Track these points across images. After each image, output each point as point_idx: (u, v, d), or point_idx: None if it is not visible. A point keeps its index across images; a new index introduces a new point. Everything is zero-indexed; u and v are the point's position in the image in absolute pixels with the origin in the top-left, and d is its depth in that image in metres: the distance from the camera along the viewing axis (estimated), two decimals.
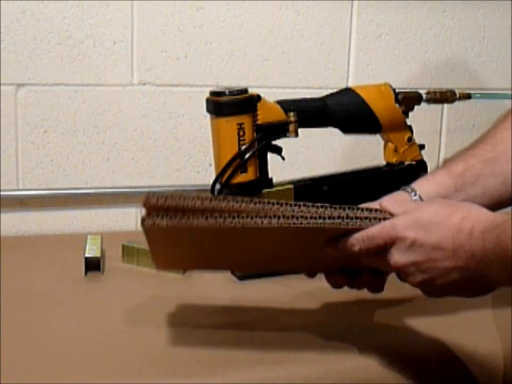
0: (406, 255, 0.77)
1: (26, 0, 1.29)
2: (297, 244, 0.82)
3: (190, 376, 0.82)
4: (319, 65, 1.48)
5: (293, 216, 0.77)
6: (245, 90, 1.06)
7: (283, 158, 1.10)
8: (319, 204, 0.79)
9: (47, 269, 1.14)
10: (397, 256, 0.77)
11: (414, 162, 1.20)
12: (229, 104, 1.05)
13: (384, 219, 0.80)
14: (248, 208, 0.77)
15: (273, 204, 0.78)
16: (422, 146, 1.21)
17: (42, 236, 1.36)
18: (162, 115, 1.41)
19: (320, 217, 0.77)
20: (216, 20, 1.40)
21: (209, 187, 1.10)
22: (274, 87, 1.45)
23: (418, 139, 1.20)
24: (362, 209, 0.80)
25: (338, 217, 0.78)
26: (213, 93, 1.07)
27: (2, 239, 1.28)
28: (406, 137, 1.19)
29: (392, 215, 0.81)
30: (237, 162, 1.06)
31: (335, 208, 0.79)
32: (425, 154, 1.21)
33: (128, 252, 1.17)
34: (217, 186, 1.09)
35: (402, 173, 1.19)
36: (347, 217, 0.78)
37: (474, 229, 0.74)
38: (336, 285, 0.88)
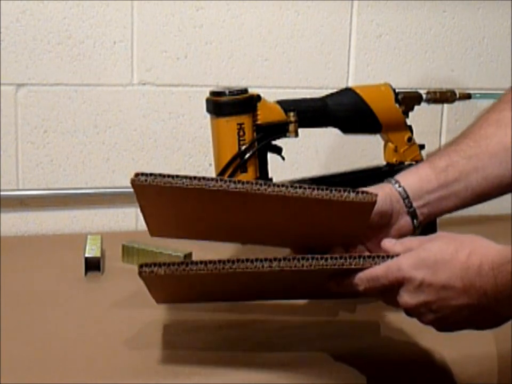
0: (416, 296, 0.76)
1: (26, 0, 1.29)
2: (299, 280, 0.81)
3: (190, 376, 0.82)
4: (319, 65, 1.48)
5: (294, 258, 0.76)
6: (245, 90, 1.06)
7: (283, 158, 1.10)
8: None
9: (47, 269, 1.14)
10: (406, 297, 0.76)
11: (414, 162, 1.19)
12: (229, 104, 1.05)
13: (388, 257, 0.78)
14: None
15: (268, 185, 0.77)
16: (422, 146, 1.21)
17: (42, 236, 1.36)
18: (162, 115, 1.41)
19: (321, 258, 0.76)
20: (216, 20, 1.40)
21: None
22: (274, 87, 1.45)
23: (418, 139, 1.20)
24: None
25: (341, 257, 0.77)
26: (213, 93, 1.07)
27: (2, 239, 1.28)
28: (406, 137, 1.19)
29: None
30: (237, 162, 1.06)
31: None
32: (425, 154, 1.21)
33: (128, 252, 1.17)
34: None
35: None
36: (350, 257, 0.77)
37: (483, 265, 0.72)
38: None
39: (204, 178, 0.77)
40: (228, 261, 0.75)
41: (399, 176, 0.92)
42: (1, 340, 0.86)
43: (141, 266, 0.76)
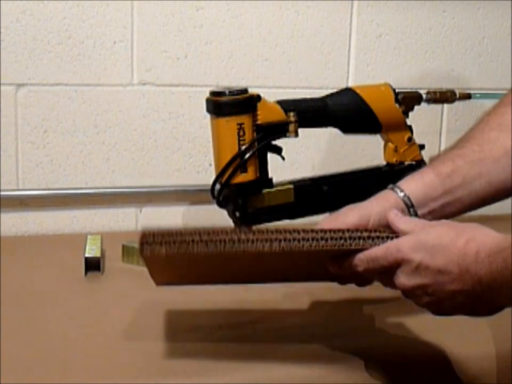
0: (412, 278, 0.77)
1: (26, 0, 1.29)
2: (298, 263, 0.82)
3: (190, 376, 0.82)
4: (319, 65, 1.48)
5: (294, 239, 0.77)
6: (245, 90, 1.06)
7: (283, 158, 1.10)
8: (318, 229, 0.79)
9: (47, 269, 1.14)
10: (403, 279, 0.77)
11: (414, 162, 1.19)
12: (229, 104, 1.05)
13: (387, 238, 0.79)
14: (248, 237, 0.76)
15: (274, 231, 0.77)
16: (422, 146, 1.21)
17: (42, 236, 1.36)
18: (162, 115, 1.41)
19: (322, 239, 0.77)
20: (216, 20, 1.40)
21: (209, 187, 1.10)
22: (274, 87, 1.45)
23: (418, 139, 1.20)
24: (367, 230, 0.80)
25: (341, 238, 0.78)
26: (213, 93, 1.07)
27: (2, 239, 1.28)
28: (406, 137, 1.19)
29: (396, 232, 0.80)
30: (237, 162, 1.06)
31: (335, 231, 0.78)
32: (425, 154, 1.21)
33: (128, 252, 1.17)
34: (217, 186, 1.09)
35: (402, 173, 1.18)
36: (350, 238, 0.78)
37: (480, 253, 0.73)
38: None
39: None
40: (229, 240, 0.76)
41: (403, 183, 0.91)
42: (1, 340, 0.86)
43: (142, 244, 0.76)
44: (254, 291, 1.07)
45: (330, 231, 0.78)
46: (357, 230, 0.79)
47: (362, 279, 0.85)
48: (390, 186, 0.91)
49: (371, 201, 0.88)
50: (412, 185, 0.90)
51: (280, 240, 0.76)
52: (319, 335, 0.93)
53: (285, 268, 0.84)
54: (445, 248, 0.75)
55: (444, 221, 0.82)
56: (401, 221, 0.82)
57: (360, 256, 0.79)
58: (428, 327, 0.95)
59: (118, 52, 1.36)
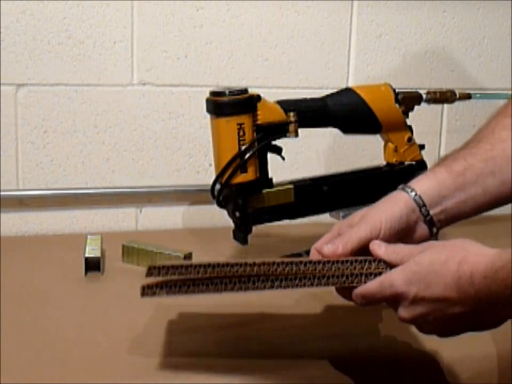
0: (411, 310, 0.77)
1: (26, 0, 1.29)
2: None
3: (190, 376, 0.82)
4: (319, 65, 1.48)
5: (295, 278, 0.78)
6: (245, 90, 1.06)
7: (283, 158, 1.10)
8: (324, 260, 0.79)
9: (47, 269, 1.14)
10: (402, 312, 0.77)
11: (414, 162, 1.20)
12: (229, 104, 1.05)
13: (380, 274, 0.79)
14: (253, 272, 0.77)
15: (277, 264, 0.77)
16: (422, 146, 1.21)
17: (42, 236, 1.36)
18: (162, 115, 1.41)
19: (323, 277, 0.78)
20: (216, 20, 1.40)
21: (209, 187, 1.10)
22: (274, 87, 1.45)
23: (418, 139, 1.20)
24: (364, 261, 0.80)
25: (342, 276, 0.79)
26: (213, 93, 1.07)
27: (2, 239, 1.28)
28: (406, 137, 1.19)
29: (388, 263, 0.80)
30: (237, 162, 1.06)
31: (340, 262, 0.79)
32: (425, 154, 1.21)
33: (128, 252, 1.17)
34: (217, 186, 1.09)
35: (402, 173, 1.19)
36: (351, 275, 0.79)
37: (474, 275, 0.72)
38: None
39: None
40: (230, 281, 0.77)
41: (414, 182, 0.89)
42: (1, 340, 0.86)
43: (143, 288, 0.77)
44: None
45: (334, 262, 0.79)
46: (361, 261, 0.80)
47: None
48: (401, 186, 0.89)
49: (381, 205, 0.87)
50: (424, 184, 0.89)
51: (281, 280, 0.77)
52: (319, 335, 0.93)
53: None
54: (438, 275, 0.74)
55: (431, 242, 0.81)
56: (385, 253, 0.81)
57: (356, 292, 0.79)
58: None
59: (118, 52, 1.36)
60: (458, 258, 0.74)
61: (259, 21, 1.43)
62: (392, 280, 0.77)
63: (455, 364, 0.90)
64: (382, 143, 1.20)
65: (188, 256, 1.14)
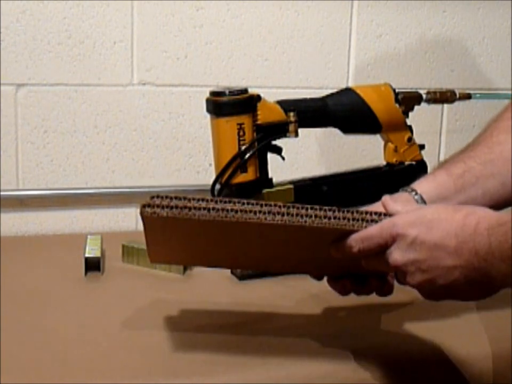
0: (407, 253, 0.75)
1: (26, 0, 1.29)
2: (301, 244, 0.81)
3: (190, 376, 0.82)
4: (319, 65, 1.48)
5: (297, 214, 0.76)
6: (245, 90, 1.06)
7: (283, 158, 1.10)
8: (325, 207, 0.78)
9: (47, 269, 1.14)
10: (396, 255, 0.75)
11: (414, 162, 1.20)
12: (229, 104, 1.05)
13: (381, 218, 0.78)
14: (252, 209, 0.76)
15: (279, 206, 0.77)
16: (422, 146, 1.21)
17: (42, 236, 1.36)
18: (162, 115, 1.41)
19: (325, 217, 0.77)
20: (216, 20, 1.40)
21: (209, 187, 1.10)
22: (274, 87, 1.45)
23: (418, 139, 1.20)
24: (367, 212, 0.79)
25: (344, 218, 0.77)
26: (213, 93, 1.07)
27: (2, 239, 1.28)
28: (406, 137, 1.19)
29: (392, 214, 0.79)
30: (237, 162, 1.06)
31: (340, 211, 0.78)
32: (425, 154, 1.21)
33: (128, 252, 1.17)
34: (217, 186, 1.09)
35: (402, 173, 1.19)
36: (353, 219, 0.78)
37: (479, 225, 0.72)
38: (343, 291, 0.86)
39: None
40: (231, 209, 0.75)
41: (415, 184, 0.91)
42: (1, 340, 0.86)
43: (143, 206, 0.75)
44: (254, 291, 1.07)
45: (335, 210, 0.78)
46: (359, 212, 0.79)
47: (368, 288, 0.85)
48: (403, 188, 0.91)
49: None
50: (424, 186, 0.90)
51: (282, 214, 0.76)
52: (319, 335, 0.93)
53: (289, 250, 0.83)
54: (443, 221, 0.74)
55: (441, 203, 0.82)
56: (396, 203, 0.81)
57: (355, 236, 0.77)
58: (427, 327, 0.95)
59: (118, 52, 1.36)
60: (466, 211, 0.74)
61: (259, 21, 1.43)
62: (394, 222, 0.76)
63: (455, 363, 0.90)
64: (382, 143, 1.20)
65: None
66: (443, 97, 1.25)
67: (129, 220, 1.42)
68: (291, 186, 1.13)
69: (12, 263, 1.15)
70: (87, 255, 1.13)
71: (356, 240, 0.77)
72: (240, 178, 1.07)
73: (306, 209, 0.77)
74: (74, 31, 1.33)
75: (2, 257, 1.16)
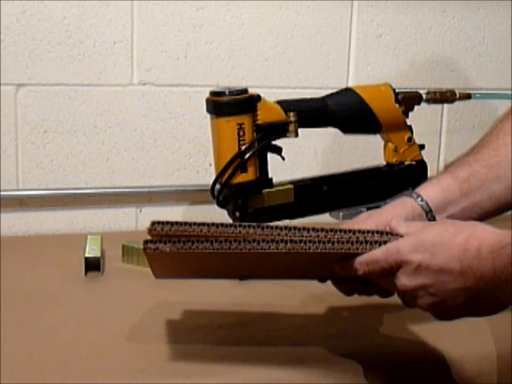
0: (413, 279, 0.76)
1: (26, 0, 1.29)
2: (306, 262, 0.81)
3: (189, 376, 0.82)
4: (319, 65, 1.48)
5: (301, 241, 0.76)
6: (245, 90, 1.07)
7: (283, 158, 1.10)
8: (328, 228, 0.78)
9: (47, 269, 1.14)
10: (404, 280, 0.76)
11: (414, 162, 1.20)
12: (229, 104, 1.05)
13: (386, 242, 0.78)
14: (256, 234, 0.77)
15: (281, 229, 0.77)
16: (422, 146, 1.21)
17: (42, 236, 1.36)
18: (162, 115, 1.41)
19: (329, 242, 0.77)
20: (216, 19, 1.40)
21: (209, 187, 1.10)
22: (274, 87, 1.45)
23: (418, 139, 1.20)
24: (370, 232, 0.79)
25: (348, 242, 0.77)
26: (213, 93, 1.07)
27: (2, 239, 1.28)
28: (406, 137, 1.19)
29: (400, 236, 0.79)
30: (237, 162, 1.06)
31: (344, 232, 0.78)
32: (425, 154, 1.21)
33: (128, 252, 1.17)
34: (217, 186, 1.09)
35: (402, 173, 1.19)
36: (357, 241, 0.78)
37: (481, 248, 0.72)
38: (349, 292, 0.86)
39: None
40: (235, 240, 0.75)
41: (420, 189, 0.90)
42: (1, 340, 0.86)
43: (146, 242, 0.75)
44: (254, 291, 1.07)
45: (338, 230, 0.78)
46: (365, 232, 0.79)
47: (371, 288, 0.85)
48: (407, 192, 0.90)
49: (388, 208, 0.88)
50: (429, 190, 0.89)
51: (286, 242, 0.76)
52: (319, 335, 0.93)
53: (292, 267, 0.84)
54: (445, 245, 0.75)
55: (443, 219, 0.82)
56: (400, 226, 0.81)
57: (360, 259, 0.78)
58: (427, 327, 0.95)
59: (118, 52, 1.36)
60: (467, 233, 0.74)
61: (259, 21, 1.43)
62: (398, 247, 0.77)
63: (455, 364, 0.90)
64: (382, 143, 1.20)
65: None
66: (443, 97, 1.25)
67: (129, 220, 1.42)
68: (291, 186, 1.13)
69: (12, 263, 1.15)
70: (87, 255, 1.13)
71: (361, 263, 0.78)
72: (240, 178, 1.07)
73: (308, 231, 0.77)
74: (74, 31, 1.33)
75: (2, 257, 1.16)
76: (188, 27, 1.39)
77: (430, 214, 0.87)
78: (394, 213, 0.86)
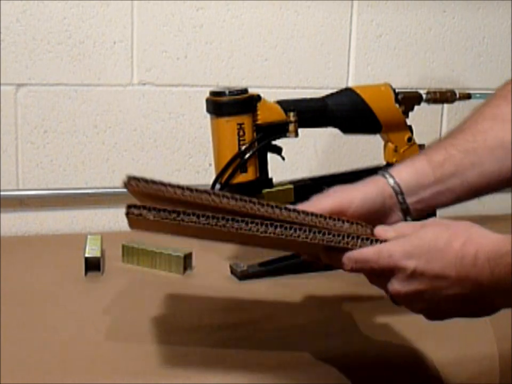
0: (407, 285, 0.74)
1: (26, 0, 1.29)
2: (293, 243, 0.78)
3: (189, 376, 0.82)
4: (319, 65, 1.48)
5: (291, 227, 0.74)
6: (245, 90, 1.06)
7: (283, 158, 1.10)
8: (317, 214, 0.76)
9: (47, 269, 1.14)
10: (397, 286, 0.74)
11: None
12: (229, 104, 1.05)
13: (377, 241, 0.76)
14: (244, 209, 0.73)
15: (272, 208, 0.74)
16: (422, 146, 1.21)
17: (42, 236, 1.36)
18: (162, 115, 1.41)
19: (319, 232, 0.74)
20: (216, 19, 1.40)
21: (209, 187, 1.10)
22: (274, 87, 1.45)
23: (418, 139, 1.20)
24: (357, 224, 0.77)
25: (339, 235, 0.75)
26: (213, 93, 1.07)
27: (2, 239, 1.28)
28: (406, 137, 1.19)
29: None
30: (237, 162, 1.06)
31: (335, 220, 0.76)
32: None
33: (128, 252, 1.17)
34: (217, 186, 1.09)
35: None
36: (348, 236, 0.75)
37: (478, 256, 0.70)
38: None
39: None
40: (223, 218, 0.72)
41: (394, 170, 0.87)
42: (1, 340, 0.86)
43: (129, 206, 0.72)
44: (254, 291, 1.07)
45: (329, 218, 0.76)
46: (356, 223, 0.77)
47: None
48: (381, 172, 0.88)
49: (357, 185, 0.86)
50: (402, 172, 0.87)
51: (275, 226, 0.73)
52: (319, 335, 0.93)
53: (279, 244, 0.81)
54: (441, 252, 0.72)
55: (434, 220, 0.79)
56: (389, 231, 0.78)
57: (349, 255, 0.75)
58: (427, 327, 0.95)
59: (118, 52, 1.36)
60: (463, 239, 0.72)
61: (259, 21, 1.43)
62: (391, 251, 0.74)
63: (455, 363, 0.90)
64: (382, 143, 1.20)
65: (188, 256, 1.14)
66: (443, 97, 1.25)
67: None
68: (291, 186, 1.13)
69: (12, 263, 1.15)
70: (87, 255, 1.13)
71: (350, 259, 0.76)
72: (240, 178, 1.07)
73: (298, 214, 0.74)
74: (74, 31, 1.33)
75: (2, 257, 1.16)
76: (188, 27, 1.39)
77: (400, 197, 0.85)
78: (364, 190, 0.84)
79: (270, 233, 0.73)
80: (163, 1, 1.37)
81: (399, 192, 0.85)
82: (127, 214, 0.73)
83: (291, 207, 0.77)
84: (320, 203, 0.81)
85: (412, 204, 0.86)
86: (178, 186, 0.74)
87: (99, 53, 1.35)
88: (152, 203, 0.75)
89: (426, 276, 0.73)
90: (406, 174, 0.87)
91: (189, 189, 0.74)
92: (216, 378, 0.82)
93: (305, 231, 0.74)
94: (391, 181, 0.86)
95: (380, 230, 0.79)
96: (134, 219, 0.73)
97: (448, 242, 0.73)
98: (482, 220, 1.11)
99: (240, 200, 0.74)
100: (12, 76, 1.31)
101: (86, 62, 1.34)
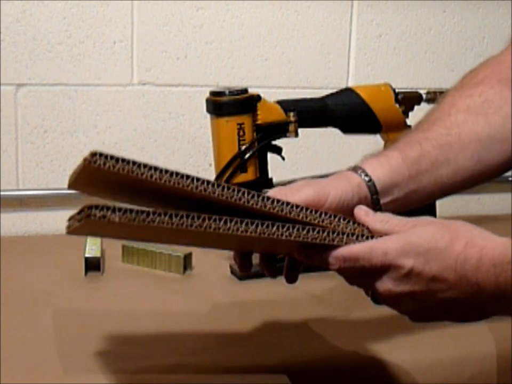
0: (401, 284, 0.69)
1: (26, 0, 1.29)
2: (270, 242, 0.71)
3: (189, 376, 0.82)
4: (319, 65, 1.48)
5: (273, 225, 0.67)
6: (245, 90, 1.07)
7: (283, 158, 1.10)
8: (299, 207, 0.70)
9: (47, 269, 1.14)
10: (390, 285, 0.69)
11: None
12: (229, 104, 1.06)
13: (363, 236, 0.71)
14: (221, 196, 0.65)
15: (254, 196, 0.67)
16: None
17: (42, 236, 1.36)
18: (162, 115, 1.41)
19: (304, 229, 0.68)
20: (216, 19, 1.40)
21: None
22: (274, 87, 1.45)
23: None
24: (342, 218, 0.71)
25: (323, 231, 0.69)
26: (213, 93, 1.07)
27: (2, 239, 1.28)
28: None
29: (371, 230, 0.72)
30: (237, 162, 1.06)
31: (316, 213, 0.70)
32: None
33: (128, 252, 1.17)
34: None
35: None
36: (333, 232, 0.69)
37: (483, 260, 0.66)
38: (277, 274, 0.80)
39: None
40: (198, 217, 0.63)
41: (367, 165, 0.81)
42: (1, 340, 0.86)
43: (90, 208, 0.61)
44: (254, 291, 1.07)
45: (312, 212, 0.70)
46: (340, 218, 0.71)
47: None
48: (352, 166, 0.82)
49: (333, 179, 0.80)
50: (378, 170, 0.81)
51: (257, 225, 0.66)
52: (319, 334, 0.93)
53: (257, 243, 0.75)
54: (441, 253, 0.68)
55: (428, 218, 0.74)
56: (372, 220, 0.73)
57: (337, 253, 0.70)
58: (427, 327, 0.95)
59: (118, 52, 1.36)
60: (465, 241, 0.68)
61: (259, 21, 1.43)
62: (386, 248, 0.69)
63: (455, 363, 0.90)
64: (382, 143, 1.20)
65: (188, 256, 1.14)
66: None
67: None
68: None
69: (12, 263, 1.15)
70: (87, 255, 1.13)
71: (337, 258, 0.70)
72: (240, 178, 1.07)
73: (280, 209, 0.68)
74: (74, 31, 1.33)
75: (2, 257, 1.16)
76: (188, 27, 1.39)
77: (375, 197, 0.79)
78: (341, 188, 0.78)
79: (251, 232, 0.66)
80: (163, 1, 1.37)
81: (374, 192, 0.80)
82: (88, 216, 0.61)
83: (286, 201, 0.70)
84: (293, 198, 0.73)
85: (385, 204, 0.81)
86: (156, 168, 0.65)
87: (99, 53, 1.35)
88: (100, 189, 0.65)
89: (422, 276, 0.68)
90: (381, 172, 0.81)
91: (169, 171, 0.65)
92: (216, 378, 0.82)
93: (288, 228, 0.68)
94: (367, 179, 0.80)
95: (359, 211, 0.74)
96: (92, 222, 0.62)
97: (450, 243, 0.69)
98: (482, 220, 1.11)
99: (227, 189, 0.66)
100: (12, 76, 1.31)
101: (86, 62, 1.34)
